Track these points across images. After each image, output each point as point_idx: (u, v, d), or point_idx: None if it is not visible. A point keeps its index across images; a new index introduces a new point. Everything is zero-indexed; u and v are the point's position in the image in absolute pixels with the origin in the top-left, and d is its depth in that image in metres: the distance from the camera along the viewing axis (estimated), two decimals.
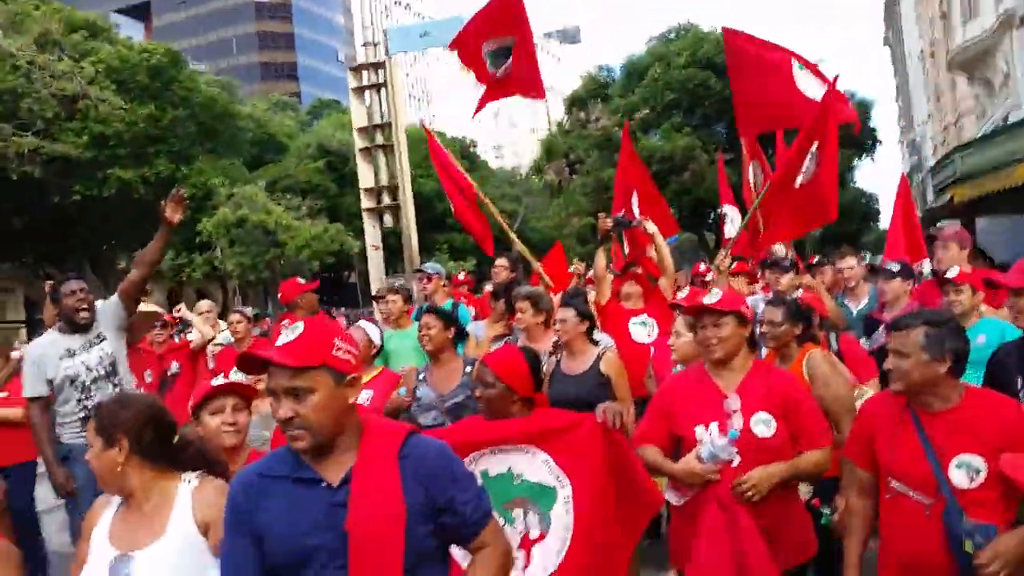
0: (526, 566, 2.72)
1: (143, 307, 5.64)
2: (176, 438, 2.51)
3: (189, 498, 2.39)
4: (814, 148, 5.69)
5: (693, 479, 2.96)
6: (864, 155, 33.65)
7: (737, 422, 2.98)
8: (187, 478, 2.48)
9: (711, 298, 3.17)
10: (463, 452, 2.71)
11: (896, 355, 2.65)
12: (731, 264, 6.04)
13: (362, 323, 4.96)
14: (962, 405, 2.63)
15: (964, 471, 2.55)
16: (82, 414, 4.62)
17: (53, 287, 4.86)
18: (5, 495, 5.26)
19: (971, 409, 2.62)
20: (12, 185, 22.65)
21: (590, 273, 6.70)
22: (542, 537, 2.76)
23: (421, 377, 4.46)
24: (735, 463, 2.91)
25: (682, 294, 4.84)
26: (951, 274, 4.50)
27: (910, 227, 7.16)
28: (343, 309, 21.56)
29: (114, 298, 4.91)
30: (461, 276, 8.63)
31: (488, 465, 2.78)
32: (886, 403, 2.82)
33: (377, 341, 4.77)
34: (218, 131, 27.50)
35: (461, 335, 4.74)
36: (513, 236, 7.33)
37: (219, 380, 3.05)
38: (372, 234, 12.21)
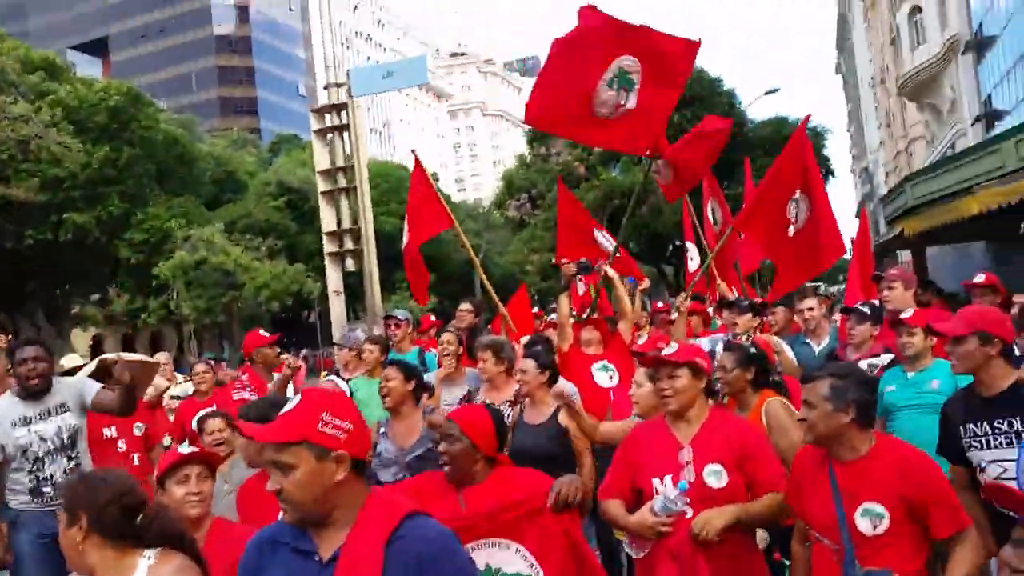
0: None
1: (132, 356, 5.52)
2: (140, 516, 2.47)
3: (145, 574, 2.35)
4: (798, 195, 5.76)
5: (647, 532, 3.01)
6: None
7: (689, 474, 3.03)
8: (147, 555, 2.43)
9: (667, 350, 3.23)
10: None
11: (805, 406, 2.78)
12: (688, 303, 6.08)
13: (331, 377, 4.97)
14: (870, 455, 2.74)
15: (868, 519, 2.66)
16: (31, 484, 4.48)
17: (9, 345, 4.73)
18: None
19: (878, 459, 2.73)
20: None
21: (551, 317, 6.75)
22: None
23: (382, 431, 4.42)
24: (688, 515, 2.95)
25: (642, 339, 4.90)
26: (905, 315, 4.54)
27: (866, 266, 7.26)
28: (304, 351, 21.33)
29: (85, 387, 4.72)
30: (432, 318, 8.60)
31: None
32: (811, 453, 2.92)
33: (345, 390, 4.78)
34: (176, 171, 27.24)
35: (423, 388, 4.72)
36: (483, 277, 7.38)
37: (185, 448, 3.01)
38: (334, 279, 12.13)
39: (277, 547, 2.05)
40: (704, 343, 5.59)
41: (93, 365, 5.39)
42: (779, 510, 3.00)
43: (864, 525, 2.65)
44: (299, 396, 2.05)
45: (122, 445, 5.37)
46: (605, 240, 8.07)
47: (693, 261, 9.79)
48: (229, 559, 2.74)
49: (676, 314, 5.95)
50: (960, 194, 12.74)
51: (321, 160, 12.87)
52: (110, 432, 5.33)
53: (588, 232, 8.20)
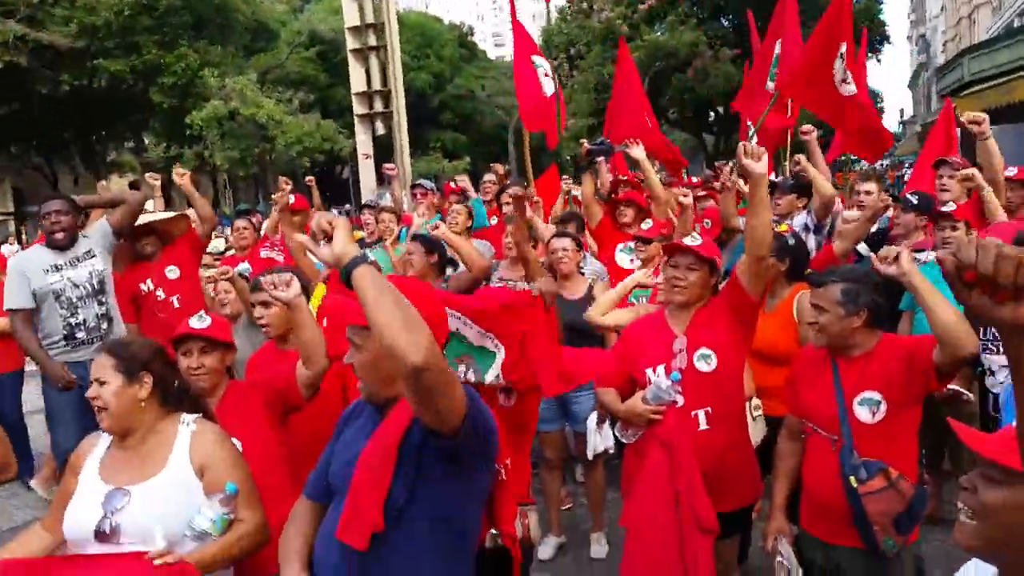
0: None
1: (164, 214, 5.68)
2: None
3: (188, 440, 2.49)
4: (843, 50, 5.45)
5: (637, 420, 3.12)
6: (871, 54, 32.62)
7: (681, 362, 3.09)
8: (186, 420, 2.57)
9: (691, 240, 3.20)
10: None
11: (816, 310, 2.80)
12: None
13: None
14: (875, 350, 2.79)
15: (867, 407, 2.73)
16: (65, 330, 4.69)
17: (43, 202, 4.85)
18: None
19: (882, 353, 2.78)
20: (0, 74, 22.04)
21: (576, 194, 6.70)
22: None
23: None
24: (678, 404, 3.04)
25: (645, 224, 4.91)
26: (948, 208, 4.37)
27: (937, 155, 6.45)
28: (346, 206, 21.46)
29: (104, 223, 4.93)
30: (452, 185, 8.54)
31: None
32: (813, 354, 2.98)
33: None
34: (212, 20, 26.53)
35: (446, 261, 4.81)
36: (527, 155, 7.33)
37: (196, 321, 3.04)
38: (364, 142, 11.97)
39: (364, 408, 2.23)
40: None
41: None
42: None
43: (863, 414, 2.72)
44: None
45: (160, 293, 5.49)
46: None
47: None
48: (240, 417, 2.91)
49: (722, 189, 5.64)
50: (1016, 75, 12.05)
51: (350, 16, 12.38)
52: (146, 285, 5.47)
53: (639, 107, 7.81)
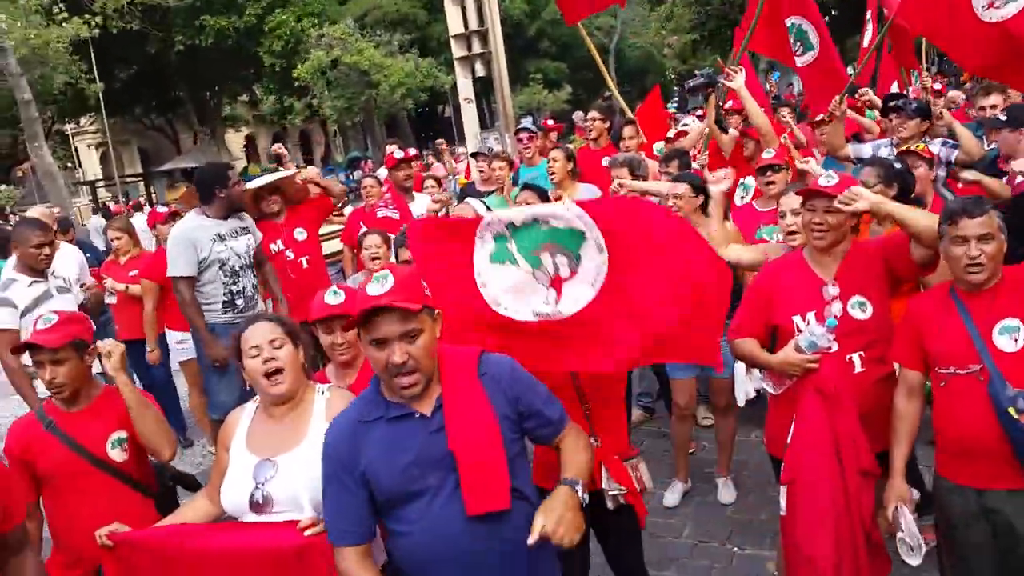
0: (557, 300, 2.72)
1: (281, 173, 5.92)
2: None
3: (324, 408, 2.60)
4: None
5: (792, 370, 3.02)
6: None
7: (836, 309, 3.00)
8: (320, 389, 2.70)
9: (827, 181, 3.07)
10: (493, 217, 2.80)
11: (983, 240, 2.59)
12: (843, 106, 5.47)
13: (469, 200, 5.07)
14: (1003, 280, 2.65)
15: (1008, 336, 2.60)
16: (226, 297, 4.93)
17: (219, 174, 5.05)
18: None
19: (1009, 281, 2.64)
20: (113, 39, 23.07)
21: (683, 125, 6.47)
22: (573, 275, 2.72)
23: None
24: (833, 350, 2.95)
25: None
26: None
27: None
28: (442, 143, 21.57)
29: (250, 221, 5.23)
30: (550, 123, 8.35)
31: (513, 216, 2.79)
32: (930, 299, 2.84)
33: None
34: None
35: None
36: (612, 84, 7.10)
37: (331, 297, 3.01)
38: (465, 86, 11.89)
39: (368, 426, 2.14)
40: (866, 149, 5.24)
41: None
42: (928, 222, 2.83)
43: (1005, 343, 2.59)
44: (391, 274, 2.09)
45: (290, 254, 5.66)
46: (811, 30, 6.46)
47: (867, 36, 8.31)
48: None
49: (830, 120, 5.34)
50: None
51: None
52: (276, 246, 5.63)
53: (779, 18, 6.64)
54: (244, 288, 5.00)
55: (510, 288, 2.75)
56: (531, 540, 1.94)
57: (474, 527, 2.05)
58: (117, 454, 2.99)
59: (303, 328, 2.87)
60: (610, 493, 2.85)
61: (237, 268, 4.94)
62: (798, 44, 6.38)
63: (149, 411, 3.01)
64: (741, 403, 4.26)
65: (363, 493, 2.12)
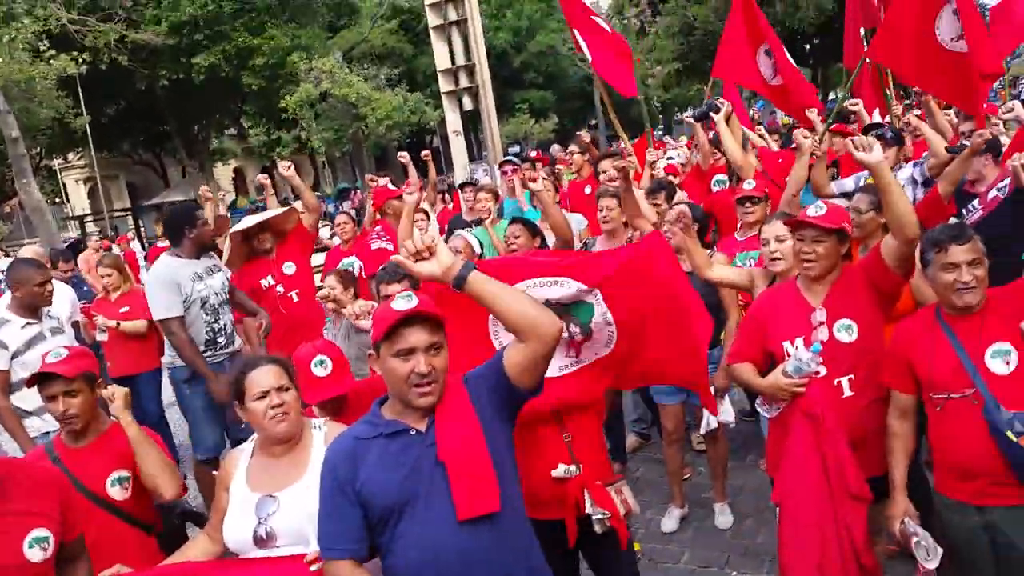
0: (578, 356, 2.98)
1: (278, 210, 5.97)
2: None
3: (323, 442, 2.63)
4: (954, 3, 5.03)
5: (781, 394, 3.09)
6: None
7: (823, 334, 3.07)
8: (316, 424, 2.74)
9: (813, 212, 3.15)
10: (510, 280, 2.81)
11: (973, 265, 2.66)
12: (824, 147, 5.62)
13: (461, 233, 5.15)
14: (987, 304, 2.70)
15: (1000, 359, 2.64)
16: (208, 336, 4.93)
17: (187, 214, 5.05)
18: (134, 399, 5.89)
19: (995, 304, 2.69)
20: (102, 75, 23.17)
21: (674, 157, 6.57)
22: (586, 340, 2.97)
23: None
24: (820, 374, 3.02)
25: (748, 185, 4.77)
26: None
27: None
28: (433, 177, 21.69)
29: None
30: (533, 154, 8.52)
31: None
32: (916, 324, 2.88)
33: (477, 248, 4.96)
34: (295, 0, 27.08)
35: (544, 244, 4.83)
36: (612, 113, 7.24)
37: (320, 369, 3.05)
38: (453, 120, 11.99)
39: (366, 443, 2.21)
40: (848, 183, 5.34)
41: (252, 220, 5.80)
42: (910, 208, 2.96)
43: (996, 366, 2.63)
44: (413, 294, 2.20)
45: (280, 289, 5.69)
46: (766, 65, 7.17)
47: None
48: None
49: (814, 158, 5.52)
50: None
51: None
52: (267, 281, 5.69)
53: (750, 50, 7.26)
54: (224, 325, 5.02)
55: None
56: None
57: (465, 533, 2.10)
58: (117, 492, 2.99)
59: None
60: (595, 518, 2.91)
61: (216, 305, 4.96)
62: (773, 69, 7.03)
63: (153, 451, 3.03)
64: (703, 430, 4.39)
65: (359, 510, 2.17)
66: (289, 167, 6.14)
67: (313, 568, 2.31)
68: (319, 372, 3.01)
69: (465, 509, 2.09)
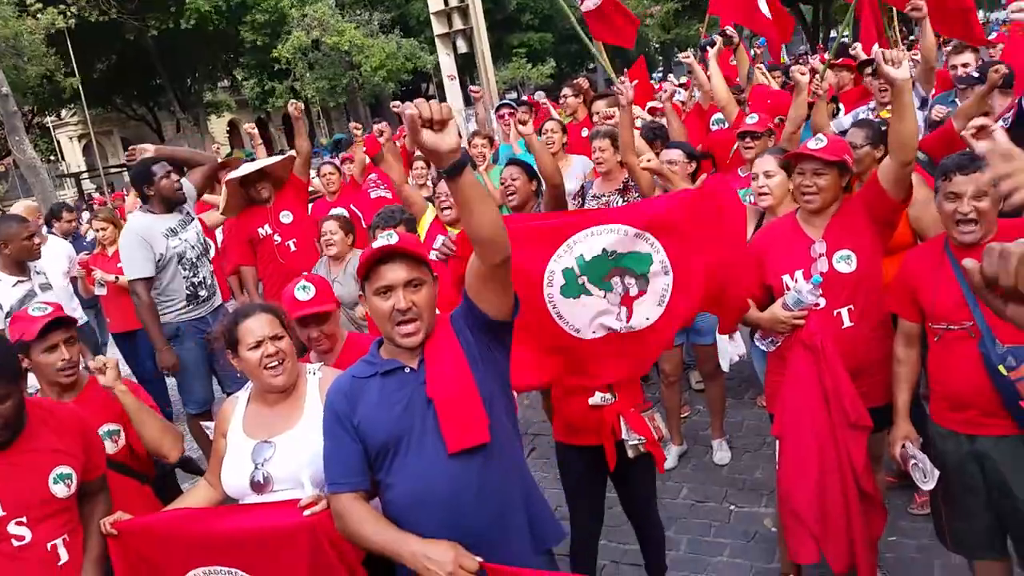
0: (629, 318, 2.94)
1: (275, 158, 5.86)
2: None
3: (317, 387, 2.66)
4: None
5: (780, 327, 3.10)
6: None
7: (822, 265, 3.06)
8: (311, 369, 2.75)
9: (815, 144, 3.12)
10: (558, 239, 2.90)
11: (977, 197, 2.63)
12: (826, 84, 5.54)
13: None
14: (997, 235, 2.66)
15: None
16: (188, 290, 4.86)
17: (141, 173, 4.87)
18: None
19: (1003, 238, 2.61)
20: (90, 29, 22.80)
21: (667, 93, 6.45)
22: (641, 294, 2.94)
23: None
24: (820, 306, 3.02)
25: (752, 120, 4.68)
26: None
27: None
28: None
29: (187, 187, 5.03)
30: (525, 98, 8.37)
31: (583, 250, 2.91)
32: (924, 253, 2.88)
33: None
34: None
35: (541, 185, 4.75)
36: (600, 56, 7.09)
37: (300, 292, 3.06)
38: (447, 64, 11.77)
39: (364, 381, 2.24)
40: (846, 121, 5.26)
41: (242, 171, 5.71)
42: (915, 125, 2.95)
43: None
44: (396, 234, 2.20)
45: (277, 238, 5.58)
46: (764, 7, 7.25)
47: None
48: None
49: (815, 96, 5.42)
50: None
51: None
52: (264, 230, 5.58)
53: None
54: (204, 278, 4.94)
55: (585, 314, 2.94)
56: None
57: (456, 467, 2.13)
58: (109, 446, 2.99)
59: None
60: (630, 443, 3.02)
61: (194, 259, 4.87)
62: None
63: (150, 418, 3.04)
64: (726, 368, 4.32)
65: (358, 444, 2.20)
66: (297, 106, 6.04)
67: (307, 513, 2.34)
68: (301, 296, 3.04)
69: (454, 442, 2.12)
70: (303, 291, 3.04)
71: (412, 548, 2.04)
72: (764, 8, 7.24)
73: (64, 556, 2.46)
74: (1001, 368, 2.56)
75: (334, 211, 6.24)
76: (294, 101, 6.13)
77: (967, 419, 2.72)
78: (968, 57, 5.41)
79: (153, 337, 4.78)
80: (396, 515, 2.17)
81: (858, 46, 6.85)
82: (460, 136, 2.07)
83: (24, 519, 2.39)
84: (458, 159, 1.91)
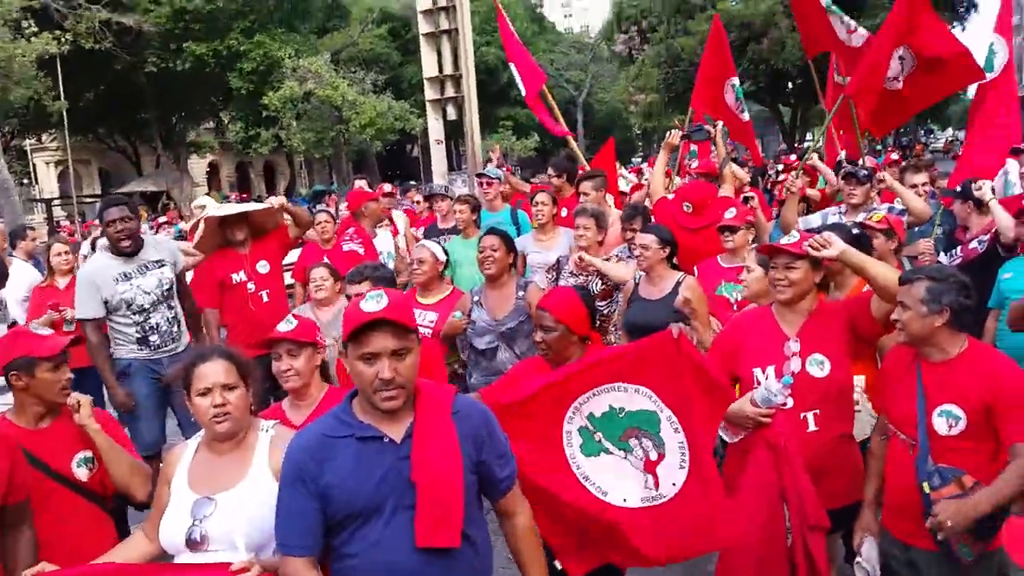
0: (656, 487, 2.88)
1: (259, 205, 5.84)
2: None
3: (267, 446, 2.55)
4: (901, 51, 5.58)
5: (745, 422, 3.09)
6: (956, 22, 30.32)
7: (795, 365, 3.08)
8: (264, 427, 2.64)
9: (786, 239, 3.21)
10: (564, 403, 2.90)
11: (900, 307, 2.75)
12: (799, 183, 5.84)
13: (425, 243, 5.07)
14: (959, 358, 2.74)
15: (944, 419, 2.69)
16: (138, 335, 4.75)
17: (99, 215, 4.86)
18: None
19: (966, 363, 2.72)
20: (83, 57, 22.81)
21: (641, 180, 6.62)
22: (661, 458, 2.88)
23: (476, 300, 4.53)
24: (787, 406, 3.03)
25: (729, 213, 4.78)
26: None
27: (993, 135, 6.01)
28: (411, 183, 21.61)
29: (177, 254, 5.04)
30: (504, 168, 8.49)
31: (592, 408, 2.91)
32: (903, 351, 2.93)
33: (443, 257, 4.86)
34: (292, 2, 26.99)
35: (517, 257, 4.79)
36: (572, 140, 7.32)
37: (282, 325, 3.08)
38: (435, 128, 11.97)
39: (336, 441, 2.14)
40: (814, 220, 5.39)
41: (218, 211, 5.66)
42: (891, 276, 2.95)
43: (940, 425, 2.69)
44: (385, 295, 2.12)
45: (251, 286, 5.52)
46: (732, 97, 7.72)
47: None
48: None
49: (787, 194, 5.70)
50: None
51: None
52: (238, 276, 5.51)
53: (720, 84, 7.76)
54: (158, 324, 4.79)
55: (610, 475, 2.91)
56: None
57: (420, 560, 2.06)
58: (83, 473, 2.96)
59: (257, 363, 2.82)
60: None
61: (147, 306, 4.72)
62: (739, 102, 7.72)
63: (122, 456, 3.00)
64: None
65: (318, 506, 2.10)
66: (281, 201, 5.94)
67: None
68: (283, 328, 3.05)
69: (424, 537, 2.04)
70: (285, 324, 3.06)
71: None
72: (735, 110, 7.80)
73: None
74: (925, 485, 2.64)
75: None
76: (277, 199, 5.99)
77: (903, 528, 2.80)
78: (923, 177, 5.63)
79: (104, 377, 4.70)
80: None
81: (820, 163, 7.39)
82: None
83: None
84: None
